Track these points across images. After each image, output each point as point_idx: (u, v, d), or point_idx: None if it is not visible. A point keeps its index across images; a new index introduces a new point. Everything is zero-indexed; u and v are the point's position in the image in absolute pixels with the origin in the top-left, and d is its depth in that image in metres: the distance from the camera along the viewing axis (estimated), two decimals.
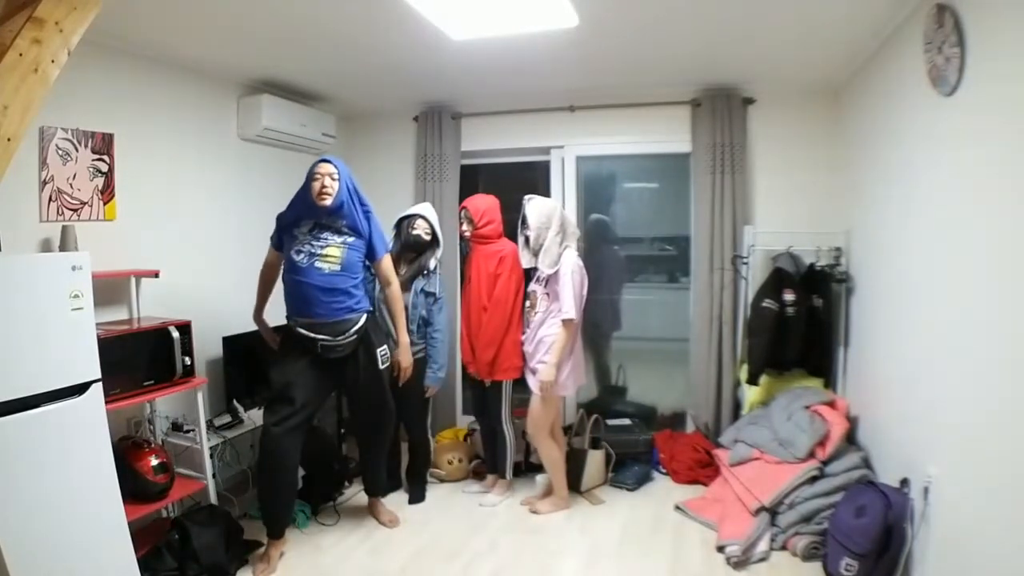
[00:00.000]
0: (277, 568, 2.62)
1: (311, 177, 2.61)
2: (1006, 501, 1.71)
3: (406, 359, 2.92)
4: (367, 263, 2.80)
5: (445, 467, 3.59)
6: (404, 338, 2.91)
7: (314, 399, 2.74)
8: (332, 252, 2.61)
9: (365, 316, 2.73)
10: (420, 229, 3.19)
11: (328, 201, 2.58)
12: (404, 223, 3.25)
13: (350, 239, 2.66)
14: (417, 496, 3.34)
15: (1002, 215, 1.77)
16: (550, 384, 2.98)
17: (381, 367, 2.80)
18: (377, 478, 3.12)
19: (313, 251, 2.60)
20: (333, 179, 2.59)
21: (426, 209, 3.27)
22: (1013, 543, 1.67)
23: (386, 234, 2.89)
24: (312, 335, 2.65)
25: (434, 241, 3.23)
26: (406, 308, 3.12)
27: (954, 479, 2.03)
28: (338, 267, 2.61)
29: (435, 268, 3.23)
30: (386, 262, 2.82)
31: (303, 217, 2.66)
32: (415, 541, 2.90)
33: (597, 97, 3.86)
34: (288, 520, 2.78)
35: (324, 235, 2.62)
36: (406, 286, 3.13)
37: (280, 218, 2.76)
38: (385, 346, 2.84)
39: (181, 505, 2.82)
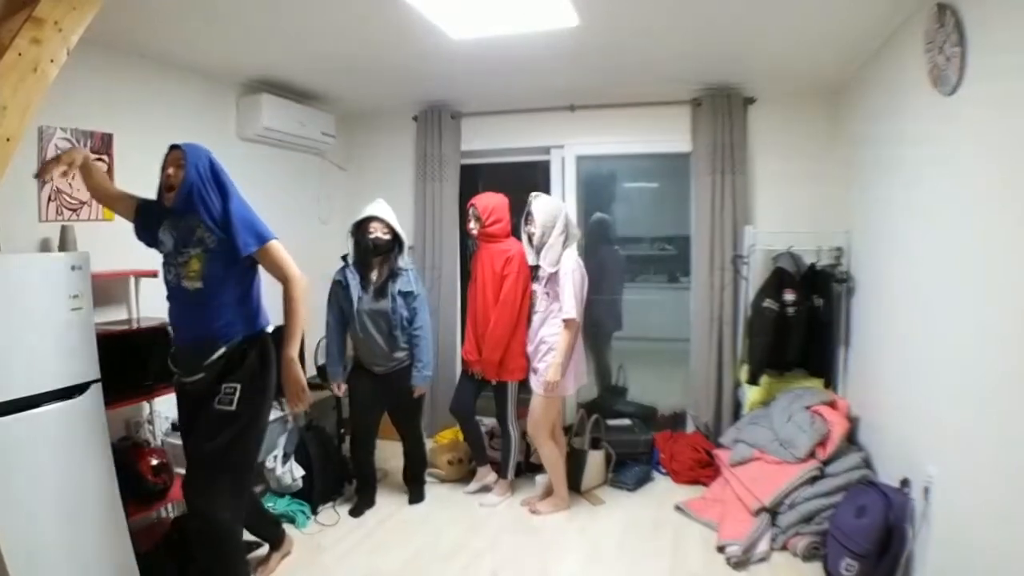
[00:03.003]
0: (276, 569, 2.62)
1: (161, 170, 2.19)
2: (1006, 501, 1.72)
3: (289, 377, 2.18)
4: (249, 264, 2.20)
5: (444, 467, 3.58)
6: (290, 352, 2.17)
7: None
8: (192, 265, 2.12)
9: (226, 347, 2.14)
10: (377, 231, 3.00)
11: (173, 198, 2.12)
12: (359, 229, 3.04)
13: (211, 243, 2.12)
14: (416, 496, 3.33)
15: (1002, 214, 1.77)
16: (556, 384, 2.98)
17: (220, 407, 2.09)
18: None
19: (178, 269, 2.16)
20: (179, 166, 2.12)
21: (379, 208, 3.05)
22: (1013, 543, 1.67)
23: (264, 220, 2.23)
24: (173, 368, 2.25)
25: (396, 239, 3.05)
26: (386, 314, 3.01)
27: (954, 479, 2.03)
28: (200, 283, 2.12)
29: (406, 266, 3.09)
30: (269, 254, 2.16)
31: (163, 216, 2.22)
32: (415, 541, 2.90)
33: (597, 97, 3.86)
34: (268, 526, 2.65)
35: (186, 247, 2.15)
36: (381, 292, 3.02)
37: (149, 207, 2.28)
38: (237, 385, 2.11)
39: (180, 505, 2.81)
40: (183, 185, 2.10)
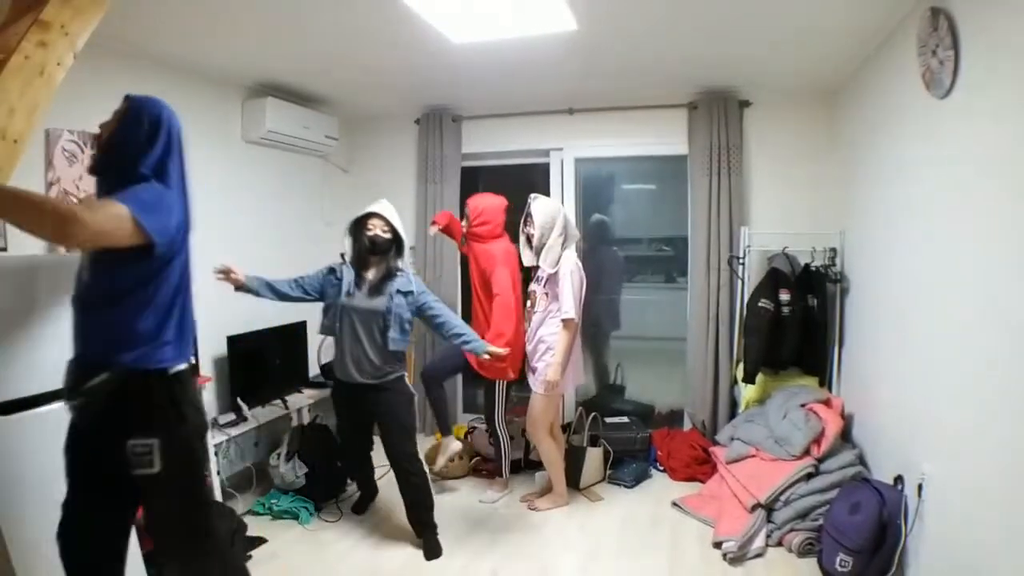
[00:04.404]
0: None
1: None
2: (999, 498, 1.74)
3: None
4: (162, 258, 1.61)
5: (446, 465, 3.60)
6: None
7: (84, 498, 1.73)
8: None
9: (110, 374, 1.59)
10: (377, 228, 2.83)
11: (95, 159, 1.72)
12: (359, 225, 2.88)
13: None
14: (432, 548, 2.82)
15: (994, 216, 1.80)
16: (555, 383, 3.01)
17: (141, 472, 1.59)
18: None
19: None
20: (118, 121, 1.69)
21: (381, 206, 2.89)
22: (1005, 539, 1.70)
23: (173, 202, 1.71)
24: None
25: (396, 238, 2.89)
26: (381, 314, 2.77)
27: (948, 476, 2.06)
28: (87, 275, 1.64)
29: (404, 268, 2.94)
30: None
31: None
32: (416, 538, 2.93)
33: (596, 100, 3.90)
34: None
35: None
36: (378, 290, 2.81)
37: None
38: (153, 441, 1.59)
39: None
40: (108, 148, 1.67)
